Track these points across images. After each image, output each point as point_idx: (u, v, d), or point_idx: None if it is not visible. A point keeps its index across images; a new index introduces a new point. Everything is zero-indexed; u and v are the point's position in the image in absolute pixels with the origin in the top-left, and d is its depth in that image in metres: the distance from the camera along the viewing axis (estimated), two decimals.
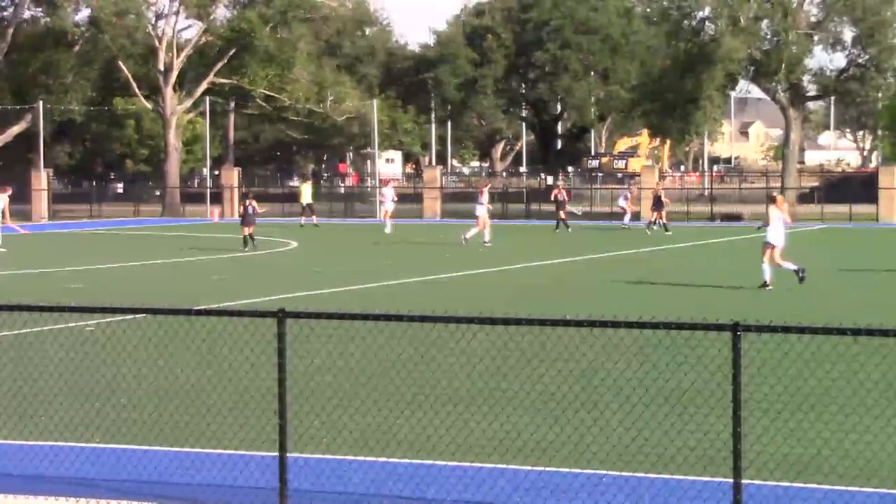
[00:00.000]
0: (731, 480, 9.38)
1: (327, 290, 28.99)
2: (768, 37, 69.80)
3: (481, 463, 11.51)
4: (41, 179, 75.02)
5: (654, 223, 54.61)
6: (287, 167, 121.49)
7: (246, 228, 43.78)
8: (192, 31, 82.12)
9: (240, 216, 47.35)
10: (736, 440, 9.29)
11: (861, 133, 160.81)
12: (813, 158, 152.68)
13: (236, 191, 75.51)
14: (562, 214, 55.37)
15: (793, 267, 28.83)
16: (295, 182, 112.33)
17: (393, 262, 38.05)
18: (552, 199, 58.04)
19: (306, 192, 63.63)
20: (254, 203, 44.89)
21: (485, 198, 46.27)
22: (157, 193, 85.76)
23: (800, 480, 10.79)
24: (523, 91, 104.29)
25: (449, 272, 34.29)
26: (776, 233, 28.83)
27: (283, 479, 10.24)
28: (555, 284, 31.26)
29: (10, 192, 47.28)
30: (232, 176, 78.26)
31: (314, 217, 61.75)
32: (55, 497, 10.65)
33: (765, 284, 28.62)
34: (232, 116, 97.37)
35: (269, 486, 10.57)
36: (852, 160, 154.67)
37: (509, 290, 29.73)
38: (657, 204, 55.40)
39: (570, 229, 54.54)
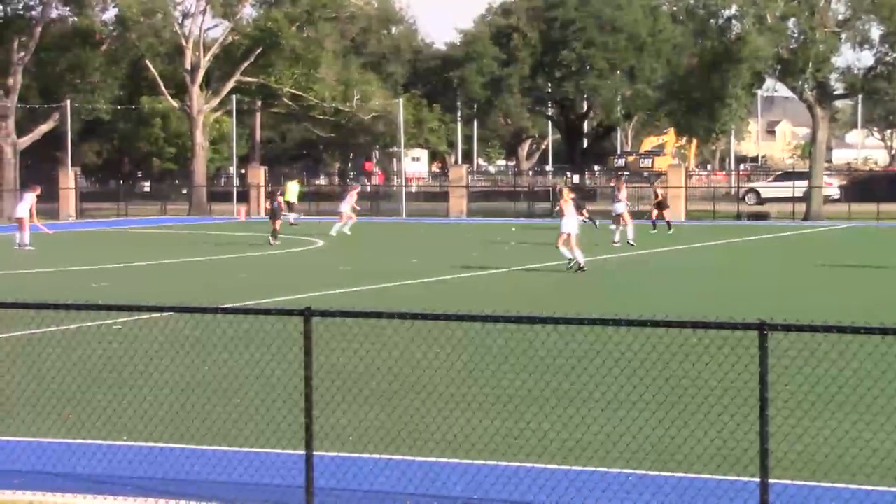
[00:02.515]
0: (758, 480, 9.35)
1: (354, 288, 29.02)
2: (795, 35, 69.51)
3: (507, 462, 11.51)
4: (69, 178, 75.28)
5: (656, 222, 53.42)
6: (314, 166, 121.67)
7: (277, 222, 46.26)
8: (218, 30, 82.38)
9: (267, 212, 50.24)
10: (763, 439, 9.26)
11: (889, 131, 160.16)
12: (841, 157, 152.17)
13: (263, 189, 75.64)
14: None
15: (570, 256, 32.78)
16: (322, 181, 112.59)
17: (419, 261, 38.06)
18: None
19: (293, 191, 63.46)
20: (280, 199, 47.72)
21: (623, 194, 46.20)
22: (184, 192, 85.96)
23: (827, 480, 10.75)
24: (549, 90, 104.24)
25: (477, 270, 34.29)
26: (569, 222, 33.06)
27: (309, 476, 10.26)
28: (572, 285, 31.22)
29: (38, 191, 47.51)
30: (258, 174, 78.42)
31: (292, 216, 61.00)
32: (83, 495, 10.69)
33: (575, 266, 32.72)
34: (258, 115, 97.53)
35: (295, 483, 10.59)
36: (880, 159, 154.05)
37: (532, 288, 29.71)
38: (659, 203, 54.22)
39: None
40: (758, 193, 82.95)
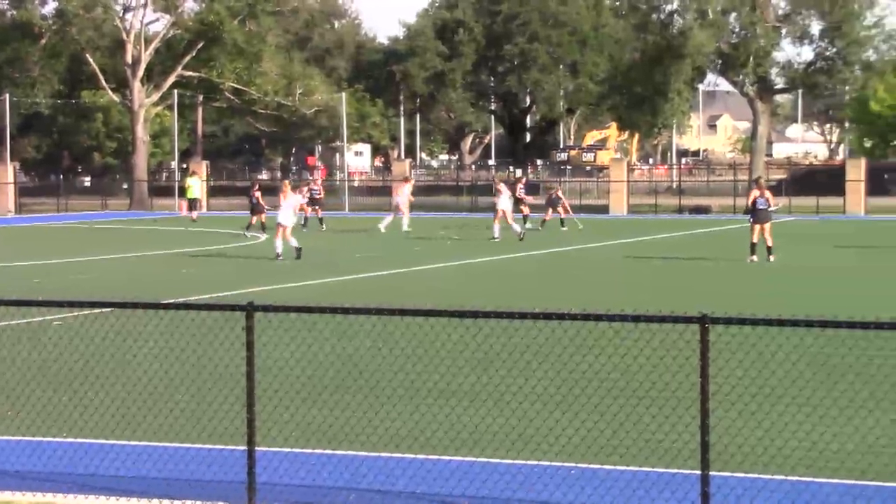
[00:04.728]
0: (699, 472, 9.41)
1: (298, 283, 28.94)
2: (736, 30, 70.03)
3: (449, 456, 11.52)
4: (7, 173, 74.58)
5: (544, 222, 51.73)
6: (256, 160, 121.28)
7: (254, 217, 47.09)
8: (160, 23, 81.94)
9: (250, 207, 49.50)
10: (704, 432, 9.32)
11: (828, 126, 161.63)
12: (781, 151, 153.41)
13: (205, 184, 75.29)
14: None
15: (295, 244, 35.63)
16: (264, 175, 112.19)
17: (362, 255, 38.01)
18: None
19: (195, 187, 62.74)
20: (257, 193, 48.00)
21: (504, 190, 45.83)
22: (125, 187, 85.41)
23: (767, 472, 10.83)
24: (492, 84, 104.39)
25: (422, 265, 34.32)
26: (285, 215, 35.99)
27: (251, 472, 10.23)
28: (516, 276, 31.31)
29: None
30: (200, 169, 78.06)
31: (194, 213, 60.43)
32: (21, 492, 10.61)
33: (298, 252, 35.36)
34: (200, 110, 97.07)
35: (237, 479, 10.55)
36: (820, 153, 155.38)
37: (466, 281, 29.77)
38: (550, 202, 52.48)
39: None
40: None
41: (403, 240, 45.54)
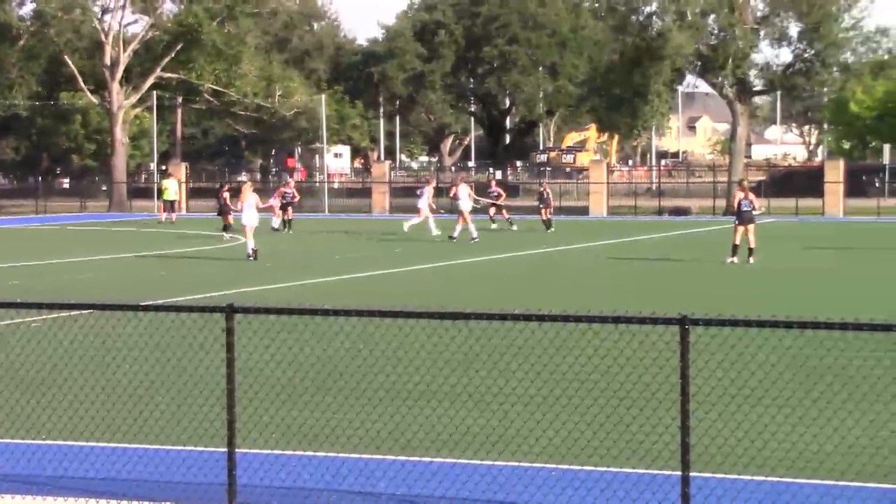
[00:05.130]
0: (680, 473, 9.42)
1: (278, 284, 28.90)
2: (715, 32, 70.14)
3: (430, 458, 11.51)
4: None
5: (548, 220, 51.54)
6: (236, 162, 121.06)
7: (230, 217, 46.90)
8: (138, 25, 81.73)
9: (217, 209, 50.34)
10: (684, 433, 9.32)
11: (807, 127, 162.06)
12: (760, 153, 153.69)
13: (183, 186, 75.12)
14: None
15: (252, 246, 36.63)
16: (243, 177, 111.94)
17: (341, 257, 37.99)
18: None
19: (171, 189, 62.90)
20: (225, 195, 48.57)
21: (464, 191, 46.21)
22: (104, 189, 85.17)
23: (747, 473, 10.86)
24: (472, 86, 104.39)
25: (400, 266, 34.31)
26: (248, 215, 36.95)
27: (231, 473, 10.21)
28: (498, 278, 31.33)
29: None
30: (179, 171, 77.85)
31: (174, 214, 61.08)
32: None
33: (254, 254, 36.50)
34: (179, 111, 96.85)
35: (217, 481, 10.53)
36: (799, 154, 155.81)
37: (447, 283, 29.76)
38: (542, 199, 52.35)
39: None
40: None
41: (383, 242, 45.52)
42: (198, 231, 52.34)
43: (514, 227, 51.15)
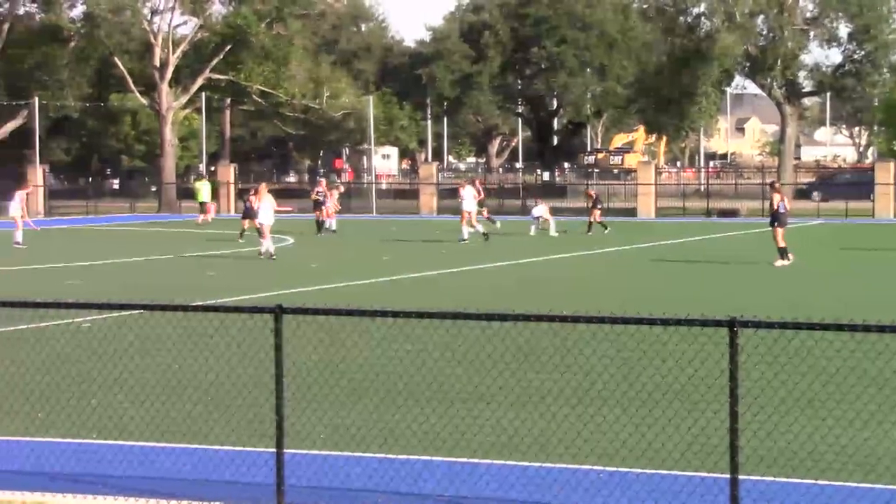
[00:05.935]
0: (728, 476, 9.38)
1: (326, 285, 28.97)
2: (764, 33, 69.83)
3: (478, 459, 11.51)
4: (37, 175, 74.81)
5: (594, 223, 50.66)
6: (284, 163, 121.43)
7: (246, 222, 46.12)
8: (187, 26, 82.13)
9: (243, 211, 49.33)
10: (733, 436, 9.29)
11: (857, 129, 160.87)
12: (809, 154, 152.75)
13: (232, 187, 75.44)
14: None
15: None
16: (291, 178, 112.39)
17: (390, 258, 38.05)
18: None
19: (204, 191, 63.20)
20: (252, 199, 45.96)
21: (468, 193, 46.03)
22: (153, 189, 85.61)
23: (796, 476, 10.80)
24: (519, 87, 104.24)
25: (445, 268, 34.31)
26: (264, 215, 37.68)
27: (280, 474, 10.24)
28: (549, 281, 31.28)
29: (30, 188, 47.93)
30: (228, 172, 78.14)
31: (208, 216, 61.25)
32: (52, 493, 10.64)
33: (269, 256, 37.00)
34: (228, 112, 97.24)
35: (266, 482, 10.56)
36: (848, 156, 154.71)
37: (499, 286, 29.73)
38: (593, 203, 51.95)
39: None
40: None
41: (432, 244, 45.55)
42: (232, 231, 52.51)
43: (498, 225, 51.43)
